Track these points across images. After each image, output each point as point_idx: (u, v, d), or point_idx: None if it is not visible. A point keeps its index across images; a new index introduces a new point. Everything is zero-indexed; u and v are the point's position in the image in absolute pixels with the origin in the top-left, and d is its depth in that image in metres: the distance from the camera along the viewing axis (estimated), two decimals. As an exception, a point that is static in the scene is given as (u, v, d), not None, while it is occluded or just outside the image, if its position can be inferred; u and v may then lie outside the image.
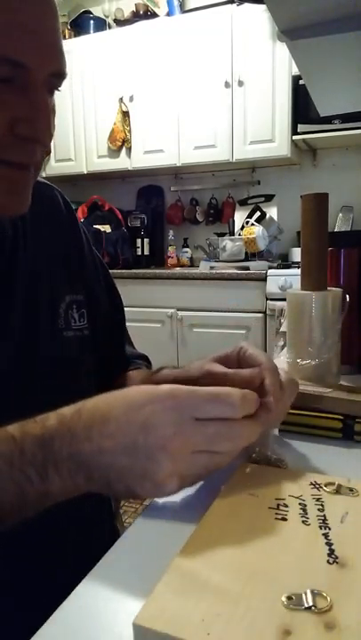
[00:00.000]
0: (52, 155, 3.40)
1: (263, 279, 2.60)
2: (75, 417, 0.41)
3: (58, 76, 0.50)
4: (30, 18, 0.45)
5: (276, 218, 2.95)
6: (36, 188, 0.64)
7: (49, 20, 0.47)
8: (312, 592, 0.29)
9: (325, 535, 0.35)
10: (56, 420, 0.41)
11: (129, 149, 3.20)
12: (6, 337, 0.57)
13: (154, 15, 3.20)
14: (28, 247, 0.62)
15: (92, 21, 3.38)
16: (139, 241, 3.25)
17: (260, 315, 2.64)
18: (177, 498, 0.46)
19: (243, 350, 0.54)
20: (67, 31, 3.40)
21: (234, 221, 3.10)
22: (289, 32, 0.70)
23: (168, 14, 3.11)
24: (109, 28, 3.39)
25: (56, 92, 0.52)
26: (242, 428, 0.42)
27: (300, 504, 0.40)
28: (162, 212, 3.50)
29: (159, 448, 0.38)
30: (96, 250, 0.76)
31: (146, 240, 3.27)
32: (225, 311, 2.69)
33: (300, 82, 2.54)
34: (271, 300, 2.57)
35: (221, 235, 3.08)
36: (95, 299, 0.71)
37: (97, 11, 3.47)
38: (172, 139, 3.06)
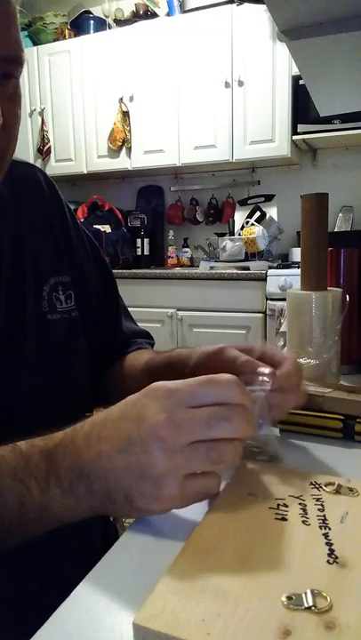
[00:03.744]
0: (52, 155, 3.40)
1: (263, 279, 2.60)
2: (78, 428, 0.41)
3: (6, 60, 0.48)
4: None
5: (276, 218, 2.95)
6: (15, 170, 0.64)
7: None
8: (312, 592, 0.29)
9: (325, 535, 0.35)
10: (62, 433, 0.41)
11: (129, 149, 3.20)
12: None
13: (154, 15, 3.20)
14: (9, 230, 0.61)
15: (92, 21, 3.38)
16: (139, 241, 3.25)
17: (260, 315, 2.64)
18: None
19: (269, 351, 0.53)
20: (67, 31, 3.40)
21: (234, 221, 3.10)
22: (289, 32, 0.70)
23: (168, 14, 3.11)
24: (109, 28, 3.39)
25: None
26: (242, 410, 0.38)
27: (300, 504, 0.40)
28: (162, 211, 3.50)
29: (153, 438, 0.36)
30: (91, 236, 0.74)
31: (146, 240, 3.27)
32: (225, 311, 2.70)
33: (300, 82, 2.54)
34: (271, 299, 2.57)
35: (221, 235, 3.08)
36: (84, 279, 0.70)
37: (97, 11, 3.46)
38: (172, 139, 3.06)
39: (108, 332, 0.75)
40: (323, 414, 0.58)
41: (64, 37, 3.39)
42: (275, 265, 2.76)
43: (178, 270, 3.04)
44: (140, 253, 3.26)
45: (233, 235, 3.01)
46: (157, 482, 0.36)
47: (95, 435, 0.39)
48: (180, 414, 0.37)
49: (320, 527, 0.36)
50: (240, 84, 2.87)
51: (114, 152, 3.24)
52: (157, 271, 2.98)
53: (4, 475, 0.39)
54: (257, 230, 2.78)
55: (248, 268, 2.70)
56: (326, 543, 0.34)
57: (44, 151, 3.39)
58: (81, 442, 0.39)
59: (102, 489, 0.38)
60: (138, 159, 3.20)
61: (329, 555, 0.33)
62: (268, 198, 3.08)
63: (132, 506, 0.38)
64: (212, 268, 2.84)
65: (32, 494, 0.38)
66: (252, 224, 2.86)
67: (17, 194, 0.63)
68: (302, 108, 2.73)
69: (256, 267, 2.69)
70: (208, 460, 0.37)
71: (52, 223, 0.67)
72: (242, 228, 2.95)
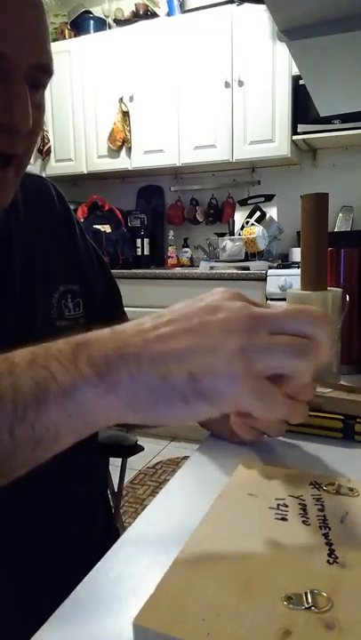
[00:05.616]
0: (52, 155, 3.40)
1: (263, 279, 2.60)
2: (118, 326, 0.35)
3: (42, 69, 0.50)
4: (12, 9, 0.46)
5: (276, 218, 2.95)
6: (27, 182, 0.65)
7: (32, 13, 0.48)
8: (312, 592, 0.29)
9: (325, 535, 0.35)
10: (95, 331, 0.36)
11: (129, 149, 3.20)
12: (2, 326, 0.57)
13: (154, 15, 3.19)
14: (21, 239, 0.62)
15: (91, 21, 3.38)
16: (139, 241, 3.25)
17: (260, 315, 2.63)
18: (177, 496, 0.46)
19: None
20: (67, 31, 3.40)
21: (234, 221, 3.10)
22: (289, 32, 0.70)
23: (168, 14, 3.10)
24: (109, 28, 3.39)
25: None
26: (316, 347, 0.34)
27: (300, 504, 0.40)
28: (162, 212, 3.50)
29: (232, 322, 0.33)
30: (95, 245, 0.76)
31: (146, 240, 3.27)
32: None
33: (300, 82, 2.54)
34: (271, 299, 2.57)
35: (221, 235, 3.08)
36: (90, 288, 0.71)
37: (97, 11, 3.46)
38: (172, 139, 3.06)
39: None
40: (323, 414, 0.58)
41: (64, 37, 3.39)
42: (275, 265, 2.76)
43: (178, 270, 3.04)
44: (140, 253, 3.25)
45: (233, 235, 3.01)
46: (231, 358, 0.32)
47: (149, 322, 0.34)
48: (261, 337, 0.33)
49: (320, 527, 0.36)
50: (240, 83, 2.86)
51: (114, 152, 3.24)
52: (157, 271, 2.98)
53: (17, 360, 0.33)
54: (257, 230, 2.78)
55: (248, 268, 2.70)
56: (326, 543, 0.34)
57: (44, 151, 3.39)
58: (126, 329, 0.34)
59: (155, 371, 0.32)
60: (138, 159, 3.19)
61: (329, 555, 0.33)
62: (268, 198, 3.08)
63: (195, 387, 0.32)
64: (212, 268, 2.84)
65: (53, 374, 0.32)
66: (252, 224, 2.86)
67: (29, 204, 0.65)
68: (302, 108, 2.73)
69: (256, 267, 2.69)
70: (287, 351, 0.33)
71: (61, 233, 0.69)
72: (242, 227, 2.95)
